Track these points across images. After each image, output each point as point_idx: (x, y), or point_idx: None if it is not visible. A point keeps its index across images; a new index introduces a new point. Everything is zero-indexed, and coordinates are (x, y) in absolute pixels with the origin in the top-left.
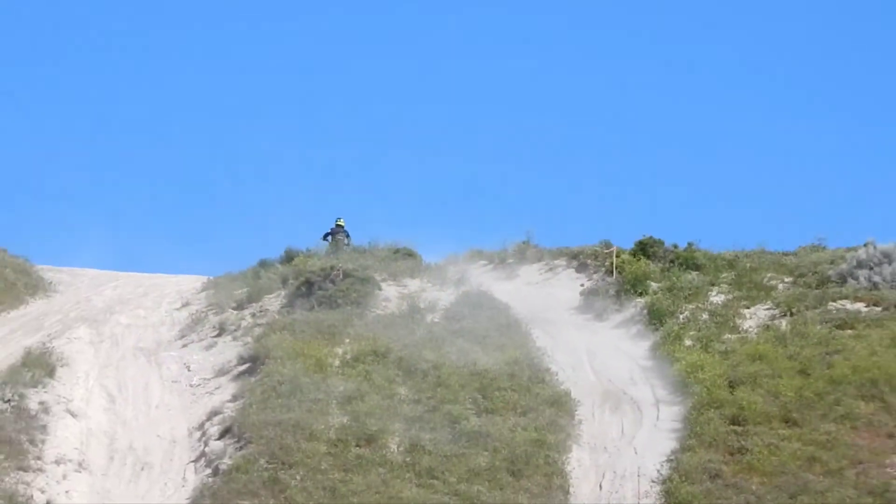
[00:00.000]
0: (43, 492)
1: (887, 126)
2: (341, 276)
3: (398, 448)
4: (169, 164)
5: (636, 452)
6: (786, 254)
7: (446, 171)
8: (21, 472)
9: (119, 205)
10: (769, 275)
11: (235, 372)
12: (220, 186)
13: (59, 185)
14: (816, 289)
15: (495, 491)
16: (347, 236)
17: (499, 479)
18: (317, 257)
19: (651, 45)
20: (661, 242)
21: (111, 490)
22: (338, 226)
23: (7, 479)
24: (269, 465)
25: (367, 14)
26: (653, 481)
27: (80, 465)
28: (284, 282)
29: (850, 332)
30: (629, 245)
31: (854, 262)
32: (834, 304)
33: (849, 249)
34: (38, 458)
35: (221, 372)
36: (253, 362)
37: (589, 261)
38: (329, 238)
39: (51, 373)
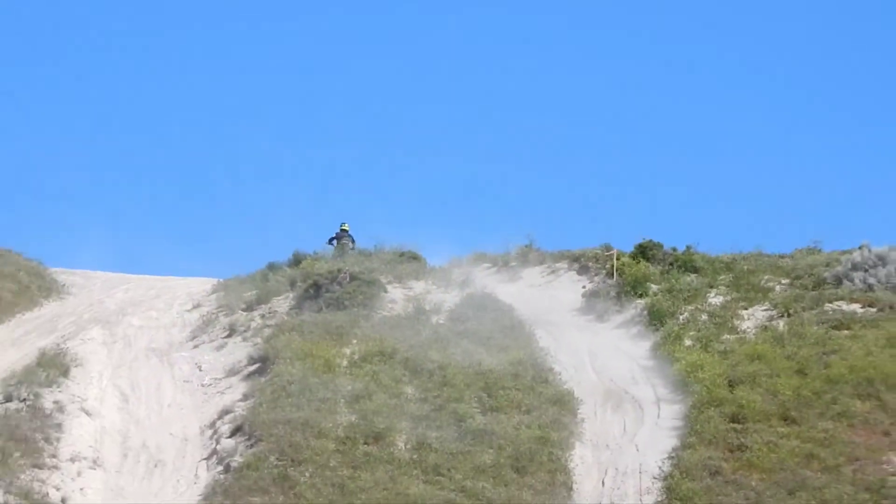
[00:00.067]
0: (58, 489)
1: (881, 131)
2: (348, 279)
3: (405, 446)
4: (168, 164)
5: (638, 450)
6: (782, 256)
7: (447, 171)
8: (37, 470)
9: (119, 205)
10: (766, 277)
11: (245, 372)
12: (220, 186)
13: (59, 185)
14: (813, 290)
15: (500, 487)
16: (352, 241)
17: (504, 475)
18: (324, 260)
19: (650, 45)
20: (660, 245)
21: (125, 487)
22: (342, 230)
23: (23, 476)
24: (279, 463)
25: (367, 14)
26: (654, 478)
27: (94, 462)
28: (293, 284)
29: (846, 332)
30: (629, 248)
31: (849, 265)
32: (830, 305)
33: (844, 252)
34: (54, 455)
35: (232, 372)
36: (262, 362)
37: (590, 263)
38: (334, 242)
39: (65, 373)
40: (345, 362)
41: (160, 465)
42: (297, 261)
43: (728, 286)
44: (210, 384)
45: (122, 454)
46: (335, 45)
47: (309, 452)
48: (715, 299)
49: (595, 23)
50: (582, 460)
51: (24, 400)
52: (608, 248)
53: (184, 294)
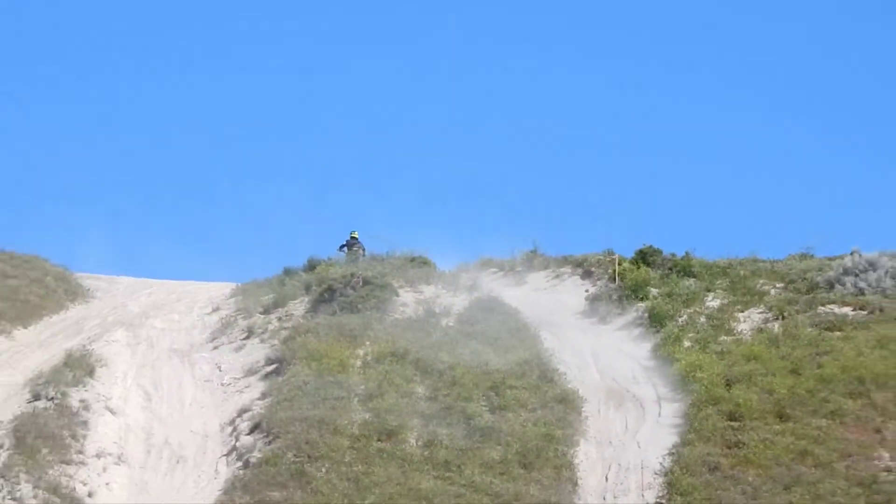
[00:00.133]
0: (84, 483)
1: (872, 141)
2: (361, 283)
3: (416, 442)
4: (169, 165)
5: (639, 446)
6: (776, 261)
7: (451, 173)
8: (64, 466)
9: (118, 206)
10: (761, 281)
11: (263, 372)
12: (220, 187)
13: (59, 186)
14: (806, 294)
15: (508, 482)
16: (362, 248)
17: (511, 471)
18: (338, 266)
19: (649, 46)
20: (659, 251)
21: (148, 482)
22: (352, 238)
23: (51, 471)
24: (296, 459)
25: (369, 14)
26: (655, 473)
27: (119, 458)
28: (308, 288)
29: (838, 334)
30: (630, 253)
31: (841, 270)
32: (823, 308)
33: (835, 258)
34: (80, 452)
35: (250, 372)
36: (280, 363)
37: (593, 268)
38: (345, 250)
39: (91, 373)
40: (358, 363)
41: (182, 461)
42: (311, 266)
43: (725, 290)
44: (229, 384)
45: (146, 450)
46: (338, 46)
47: (324, 449)
48: (712, 302)
49: (595, 23)
50: (586, 456)
51: (52, 399)
52: (610, 253)
53: (204, 298)
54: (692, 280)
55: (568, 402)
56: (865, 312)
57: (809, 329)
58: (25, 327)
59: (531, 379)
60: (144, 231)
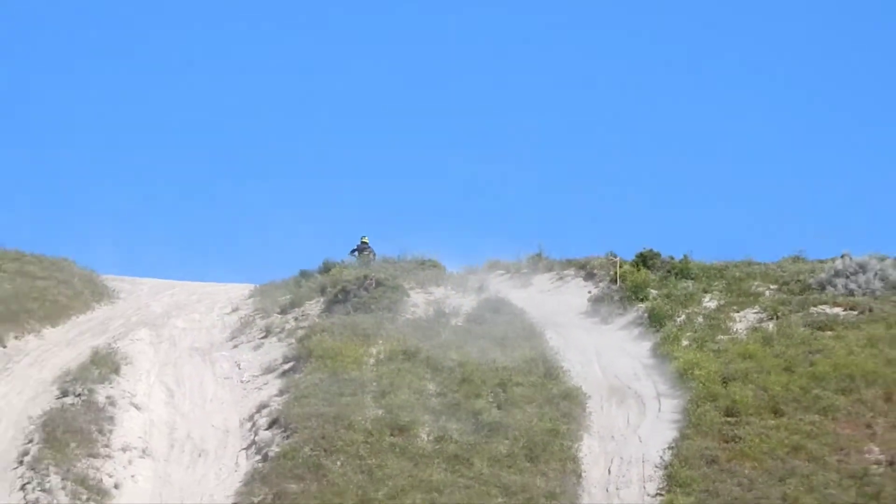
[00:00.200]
0: (111, 476)
1: (863, 147)
2: (374, 285)
3: (427, 437)
4: (183, 172)
5: (640, 441)
6: (770, 264)
7: (461, 179)
8: (91, 459)
9: (121, 208)
10: (756, 283)
11: (281, 370)
12: (234, 192)
13: (66, 188)
14: (799, 295)
15: (515, 475)
16: (373, 252)
17: (518, 464)
18: (352, 268)
19: (650, 51)
20: (659, 254)
21: (171, 474)
22: (363, 243)
23: (79, 464)
24: (313, 452)
25: (376, 14)
26: (656, 466)
27: (143, 452)
28: (323, 290)
29: (829, 333)
30: (631, 256)
31: (832, 272)
32: (815, 308)
33: (827, 260)
34: (106, 445)
35: (268, 369)
36: (296, 361)
37: (595, 271)
38: (356, 254)
39: (116, 370)
40: (371, 361)
41: (203, 455)
42: (326, 268)
43: (721, 291)
44: (248, 381)
45: (169, 444)
46: (345, 48)
47: (339, 443)
48: (709, 303)
49: (592, 25)
50: (589, 450)
51: (79, 395)
52: (612, 256)
53: (224, 299)
54: (690, 282)
55: (572, 399)
56: (856, 313)
57: (802, 329)
58: (54, 327)
59: (537, 376)
60: (144, 234)
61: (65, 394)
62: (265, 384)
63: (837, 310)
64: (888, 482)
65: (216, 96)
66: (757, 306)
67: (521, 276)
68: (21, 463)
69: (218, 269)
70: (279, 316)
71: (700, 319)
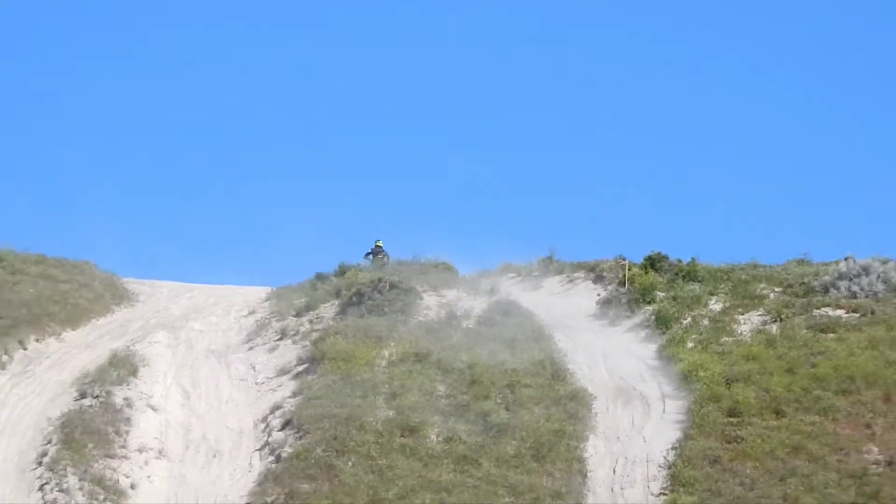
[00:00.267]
0: (127, 476)
1: (865, 151)
2: (387, 288)
3: (437, 438)
4: (200, 176)
5: (645, 441)
6: (775, 267)
7: (474, 184)
8: (108, 459)
9: (127, 209)
10: (761, 285)
11: (295, 371)
12: (234, 191)
13: (72, 187)
14: (802, 298)
15: (522, 475)
16: (386, 256)
17: (525, 464)
18: (366, 271)
19: (658, 48)
20: (666, 257)
21: (187, 475)
22: (377, 247)
23: (96, 465)
24: (325, 453)
25: (387, 15)
26: (660, 466)
27: (159, 452)
28: (338, 293)
29: (831, 335)
30: (639, 259)
31: (835, 275)
32: (818, 311)
33: (830, 263)
34: (123, 446)
35: (283, 371)
36: (310, 363)
37: (604, 273)
38: (370, 257)
39: (134, 372)
40: (383, 363)
41: (218, 455)
42: (342, 271)
43: (727, 294)
44: (263, 382)
45: (185, 445)
46: (359, 50)
47: (351, 444)
48: (715, 306)
49: (601, 23)
50: (595, 450)
51: (97, 396)
52: (621, 259)
53: (240, 301)
54: (696, 284)
55: (578, 400)
56: (858, 315)
57: (805, 331)
58: (74, 329)
59: (544, 378)
60: (150, 235)
61: (83, 395)
62: (279, 386)
63: (840, 312)
64: (887, 482)
65: (222, 97)
66: (761, 309)
67: (532, 279)
68: (40, 464)
69: (232, 273)
70: (294, 318)
71: (706, 322)
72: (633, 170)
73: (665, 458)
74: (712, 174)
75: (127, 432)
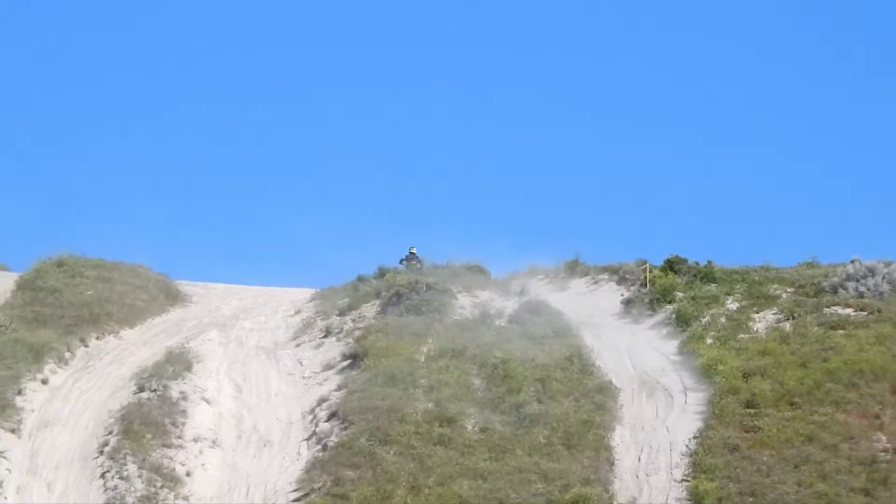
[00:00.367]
0: (183, 464)
1: (868, 157)
2: (424, 289)
3: (473, 428)
4: (253, 185)
5: (668, 431)
6: (787, 269)
7: (509, 192)
8: (165, 449)
9: (150, 213)
10: (774, 286)
11: (339, 367)
12: (292, 207)
13: (91, 189)
14: (813, 297)
15: (553, 463)
16: (420, 262)
17: (556, 453)
18: (405, 273)
19: (668, 55)
20: (685, 260)
21: (239, 463)
22: (411, 253)
23: (154, 454)
24: (368, 442)
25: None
26: (682, 454)
27: (213, 442)
28: (378, 294)
29: (841, 332)
30: (660, 262)
31: (843, 276)
32: (828, 309)
33: (839, 265)
34: (179, 437)
35: (328, 367)
36: (354, 359)
37: (627, 275)
38: (404, 263)
39: (189, 368)
40: (422, 358)
41: (268, 445)
42: (381, 274)
43: (742, 294)
44: (310, 377)
45: (237, 436)
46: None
47: (393, 434)
48: (731, 305)
49: (604, 23)
50: (621, 439)
51: (155, 390)
52: (643, 262)
53: (287, 302)
54: (714, 285)
55: (605, 392)
56: (865, 313)
57: (816, 328)
58: (132, 328)
59: (573, 372)
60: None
61: (141, 389)
62: (325, 380)
63: (849, 311)
64: (895, 468)
65: (261, 102)
66: (775, 308)
67: (560, 280)
68: (101, 453)
69: (295, 276)
70: (338, 317)
71: (723, 320)
72: (651, 178)
73: (687, 446)
74: (727, 182)
75: (183, 424)
